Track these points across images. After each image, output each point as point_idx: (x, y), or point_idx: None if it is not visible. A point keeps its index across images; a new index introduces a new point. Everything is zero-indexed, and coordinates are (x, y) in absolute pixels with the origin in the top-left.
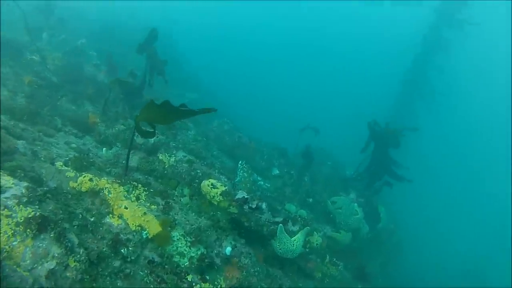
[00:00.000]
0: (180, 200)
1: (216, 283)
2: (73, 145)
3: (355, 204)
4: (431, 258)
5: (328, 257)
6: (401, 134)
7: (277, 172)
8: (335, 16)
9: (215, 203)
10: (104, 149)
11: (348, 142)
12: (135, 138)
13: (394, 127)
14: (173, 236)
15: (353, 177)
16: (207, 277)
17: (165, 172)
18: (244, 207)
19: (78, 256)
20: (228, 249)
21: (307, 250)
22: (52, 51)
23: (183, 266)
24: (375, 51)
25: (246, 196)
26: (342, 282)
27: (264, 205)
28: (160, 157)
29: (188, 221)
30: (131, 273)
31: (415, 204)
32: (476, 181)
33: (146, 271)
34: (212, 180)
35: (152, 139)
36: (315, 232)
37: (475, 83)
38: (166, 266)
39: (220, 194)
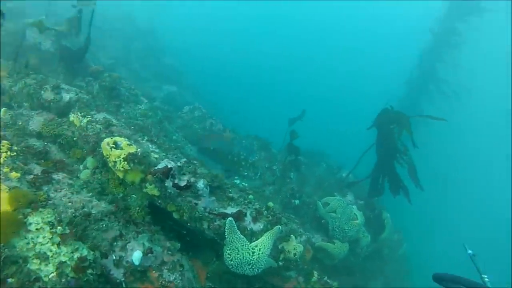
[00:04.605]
0: (78, 174)
1: None
2: None
3: (354, 206)
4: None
5: (316, 274)
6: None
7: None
8: (337, 13)
9: (120, 175)
10: (2, 109)
11: (346, 145)
12: (42, 92)
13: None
14: (30, 223)
15: (353, 180)
16: None
17: (74, 138)
18: (167, 185)
19: None
20: (137, 255)
21: (280, 263)
22: None
23: (46, 279)
24: (378, 48)
25: (170, 166)
26: None
27: (201, 184)
28: (71, 118)
29: (71, 203)
30: None
31: (419, 209)
32: (479, 186)
33: None
34: (118, 138)
35: (68, 95)
36: (292, 236)
37: (494, 81)
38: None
39: (125, 159)
